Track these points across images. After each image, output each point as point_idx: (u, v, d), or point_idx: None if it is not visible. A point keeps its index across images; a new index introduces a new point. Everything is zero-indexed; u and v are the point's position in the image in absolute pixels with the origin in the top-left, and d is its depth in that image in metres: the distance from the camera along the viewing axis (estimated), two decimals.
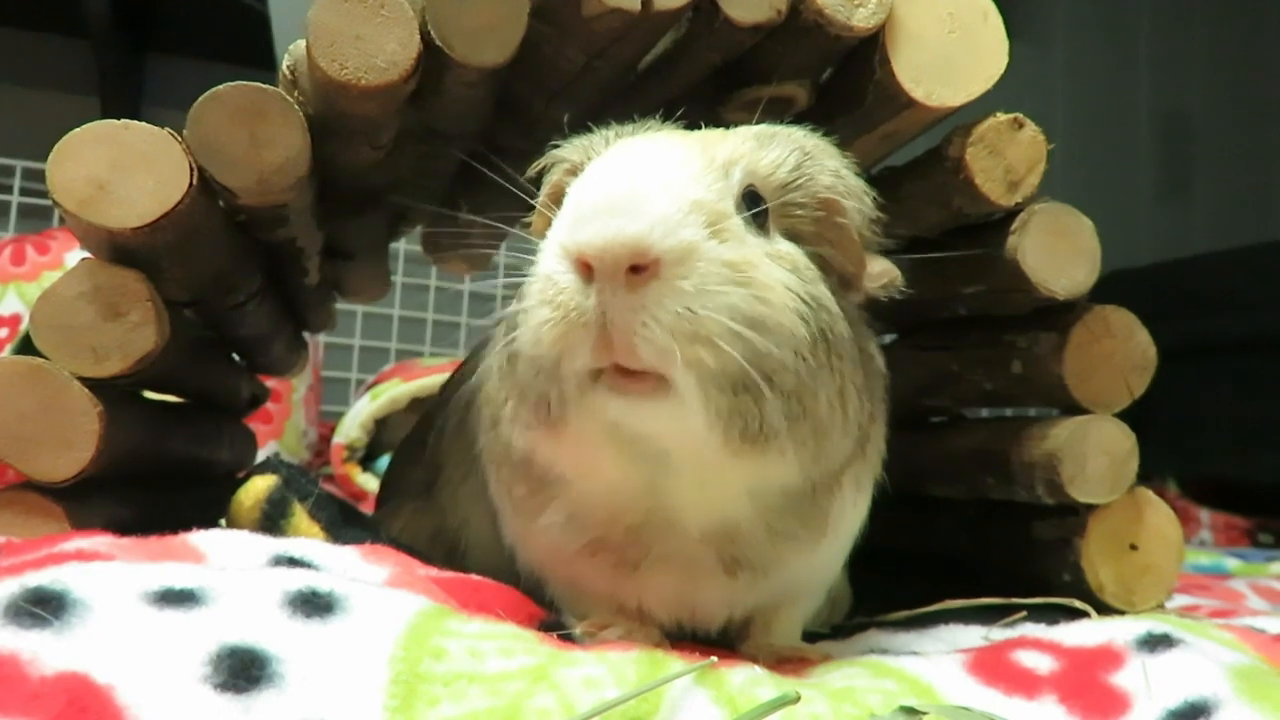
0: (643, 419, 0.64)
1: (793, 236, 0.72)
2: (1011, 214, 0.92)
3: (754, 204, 0.70)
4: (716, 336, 0.61)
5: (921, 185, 0.95)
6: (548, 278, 0.63)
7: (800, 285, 0.67)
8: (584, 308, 0.61)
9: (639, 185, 0.63)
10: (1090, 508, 0.95)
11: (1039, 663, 0.70)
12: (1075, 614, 0.88)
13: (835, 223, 0.73)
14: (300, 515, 0.91)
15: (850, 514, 0.80)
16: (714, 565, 0.72)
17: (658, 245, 0.60)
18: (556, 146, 0.79)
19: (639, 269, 0.60)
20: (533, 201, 0.78)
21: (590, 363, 0.62)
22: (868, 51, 0.88)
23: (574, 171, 0.74)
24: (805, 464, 0.68)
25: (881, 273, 0.76)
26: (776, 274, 0.66)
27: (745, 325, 0.62)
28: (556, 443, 0.69)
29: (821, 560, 0.80)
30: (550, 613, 0.79)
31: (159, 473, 1.02)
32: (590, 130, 0.78)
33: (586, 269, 0.61)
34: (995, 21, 0.89)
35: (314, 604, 0.57)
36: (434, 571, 0.76)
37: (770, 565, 0.73)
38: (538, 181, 0.79)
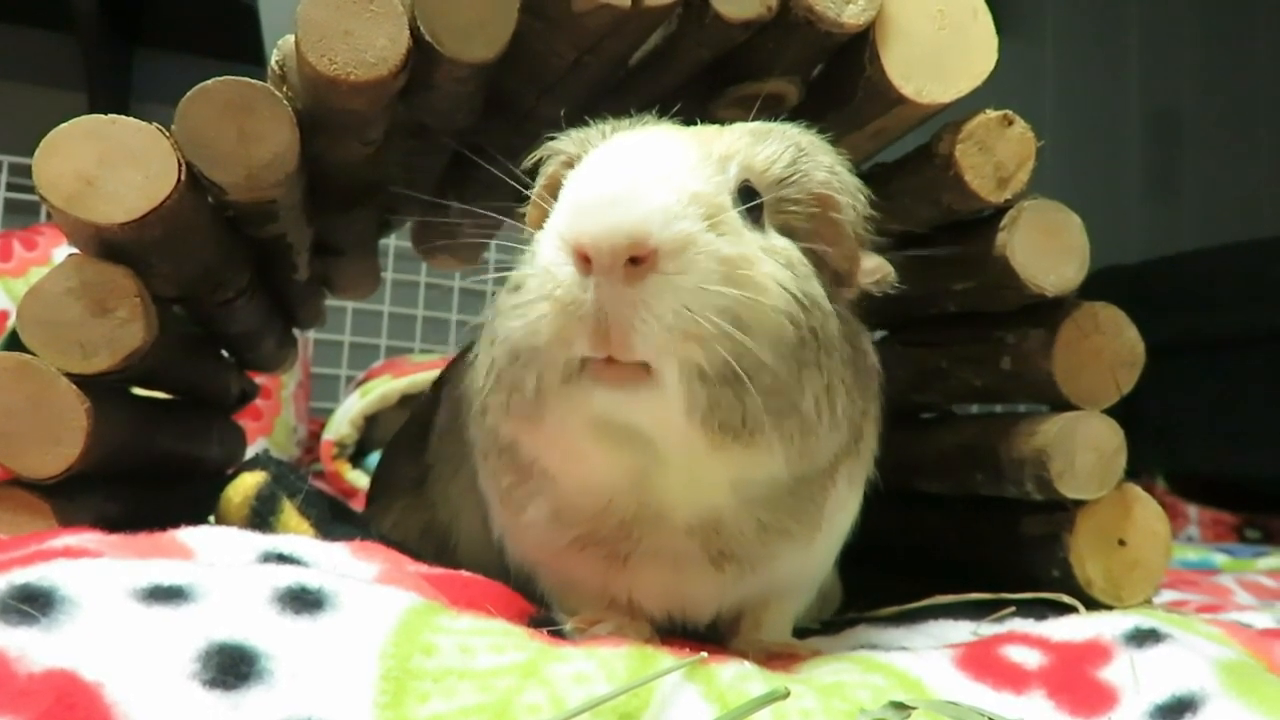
0: (628, 409, 0.64)
1: (787, 232, 0.72)
2: (1001, 210, 0.92)
3: (749, 198, 0.70)
4: (710, 334, 0.61)
5: (911, 182, 0.96)
6: (546, 270, 0.63)
7: (793, 282, 0.67)
8: (581, 300, 0.61)
9: (637, 177, 0.63)
10: (1079, 504, 0.95)
11: (1027, 658, 0.70)
12: (1064, 609, 0.88)
13: (829, 218, 0.73)
14: (290, 512, 0.91)
15: (843, 510, 0.81)
16: (701, 559, 0.72)
17: (656, 236, 0.60)
18: (551, 139, 0.79)
19: (637, 260, 0.60)
20: (528, 193, 0.78)
21: (587, 353, 0.62)
22: (858, 48, 0.88)
23: (570, 164, 0.74)
24: (791, 460, 0.68)
25: (875, 268, 0.76)
26: (771, 270, 0.66)
27: (738, 324, 0.62)
28: (537, 434, 0.68)
29: (814, 556, 0.81)
30: (540, 608, 0.79)
31: (147, 469, 1.02)
32: (586, 125, 0.78)
33: (585, 260, 0.61)
34: (985, 18, 0.89)
35: (303, 600, 0.57)
36: (424, 568, 0.76)
37: (759, 560, 0.74)
38: (530, 176, 0.79)
